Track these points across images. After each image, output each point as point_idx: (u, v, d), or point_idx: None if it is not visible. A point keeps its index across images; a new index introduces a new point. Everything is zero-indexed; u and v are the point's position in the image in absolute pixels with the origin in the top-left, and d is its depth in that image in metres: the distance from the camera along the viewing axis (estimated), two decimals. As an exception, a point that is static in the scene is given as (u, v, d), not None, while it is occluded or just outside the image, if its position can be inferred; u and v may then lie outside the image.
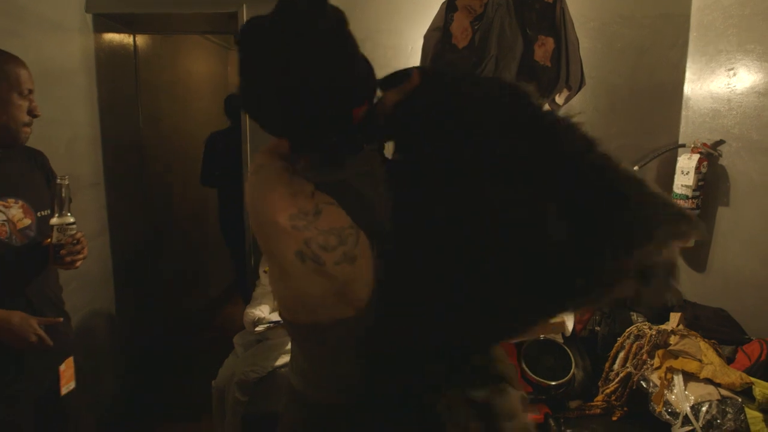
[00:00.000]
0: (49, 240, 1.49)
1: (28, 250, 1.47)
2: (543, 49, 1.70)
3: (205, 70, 4.41)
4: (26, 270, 1.48)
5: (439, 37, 1.73)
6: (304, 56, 0.77)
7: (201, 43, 4.29)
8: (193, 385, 3.30)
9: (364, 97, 0.86)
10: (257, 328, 2.10)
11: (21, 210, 1.48)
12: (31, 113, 1.49)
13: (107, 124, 2.60)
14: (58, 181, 1.51)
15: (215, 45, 4.60)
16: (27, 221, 1.49)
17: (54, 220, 1.48)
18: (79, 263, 1.53)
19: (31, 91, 1.49)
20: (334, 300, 0.84)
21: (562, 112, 2.43)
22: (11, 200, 1.46)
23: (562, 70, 1.75)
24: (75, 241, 1.50)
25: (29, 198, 1.52)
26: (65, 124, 2.31)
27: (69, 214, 1.50)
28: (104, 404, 2.57)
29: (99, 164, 2.54)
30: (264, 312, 2.25)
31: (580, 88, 1.89)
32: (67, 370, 1.60)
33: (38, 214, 1.53)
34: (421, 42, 2.22)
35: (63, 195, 1.49)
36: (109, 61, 2.64)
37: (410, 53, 2.41)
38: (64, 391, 1.58)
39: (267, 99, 0.82)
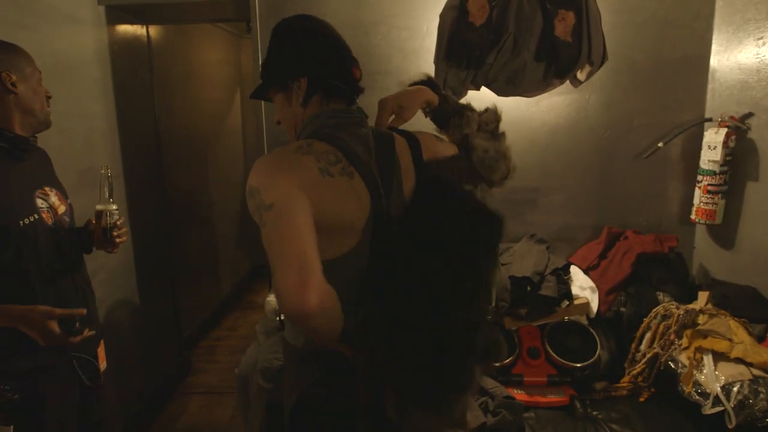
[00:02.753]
0: (93, 224, 1.62)
1: (70, 235, 1.58)
2: (563, 24, 1.64)
3: (218, 58, 4.39)
4: (74, 252, 1.60)
5: (455, 15, 1.68)
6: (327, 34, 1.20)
7: (213, 32, 4.27)
8: (214, 370, 3.35)
9: (356, 65, 1.22)
10: (279, 317, 2.10)
11: (57, 198, 1.56)
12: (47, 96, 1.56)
13: (124, 116, 2.60)
14: (102, 171, 1.64)
15: (227, 33, 4.58)
16: (63, 208, 1.58)
17: (100, 206, 1.61)
18: (120, 245, 1.67)
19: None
20: (343, 222, 1.05)
21: (584, 87, 2.38)
22: (47, 188, 1.54)
23: (584, 45, 1.70)
24: (120, 225, 1.64)
25: (58, 187, 1.61)
26: (81, 117, 2.32)
27: (111, 200, 1.64)
28: (130, 390, 2.61)
29: (117, 156, 2.56)
30: (285, 299, 2.25)
31: (602, 64, 1.83)
32: (101, 351, 1.69)
33: (68, 201, 1.63)
34: (436, 22, 2.17)
35: (107, 183, 1.62)
36: (123, 53, 2.64)
37: (425, 34, 2.36)
38: (101, 370, 1.68)
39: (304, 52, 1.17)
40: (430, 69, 2.22)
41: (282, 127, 1.26)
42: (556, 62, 1.71)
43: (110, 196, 1.64)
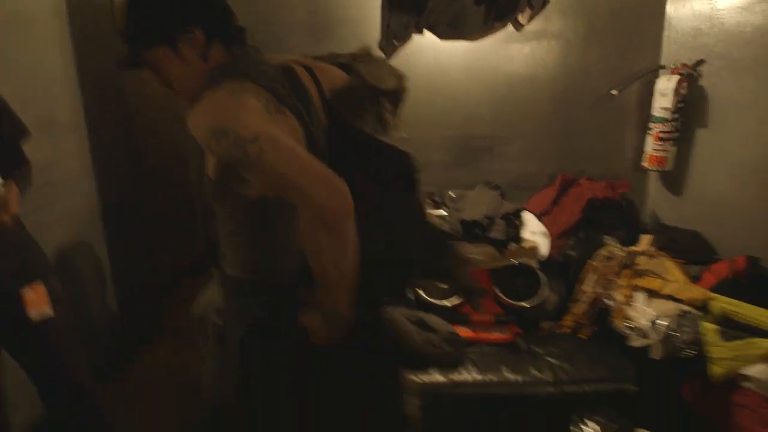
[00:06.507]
0: None
1: None
2: (499, -33, 1.65)
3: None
4: None
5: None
6: None
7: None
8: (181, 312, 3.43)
9: None
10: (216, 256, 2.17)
11: None
12: None
13: (85, 69, 2.60)
14: None
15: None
16: None
17: None
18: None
19: None
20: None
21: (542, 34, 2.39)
22: None
23: (522, -13, 1.71)
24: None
25: None
26: (39, 68, 2.33)
27: None
28: (96, 331, 2.70)
29: (78, 105, 2.58)
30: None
31: (543, 6, 1.84)
32: (34, 295, 1.61)
33: None
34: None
35: None
36: (82, 5, 2.62)
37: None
38: (34, 315, 1.60)
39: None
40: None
41: (173, 90, 1.13)
42: (495, 5, 1.73)
43: None
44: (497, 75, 2.49)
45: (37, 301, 1.62)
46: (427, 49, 2.33)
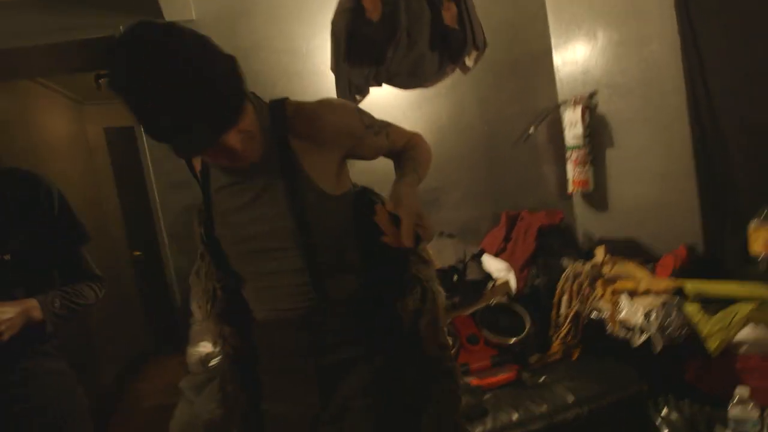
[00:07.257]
0: None
1: None
2: (450, 13, 1.79)
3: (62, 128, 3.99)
4: None
5: (351, 17, 1.73)
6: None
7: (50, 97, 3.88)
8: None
9: None
10: (212, 363, 1.90)
11: None
12: None
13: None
14: None
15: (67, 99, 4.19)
16: None
17: None
18: None
19: None
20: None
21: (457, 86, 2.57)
22: None
23: (468, 31, 1.86)
24: None
25: None
26: None
27: None
28: None
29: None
30: (209, 347, 2.05)
31: (484, 49, 2.01)
32: None
33: None
34: (315, 41, 2.22)
35: None
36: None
37: (306, 55, 2.38)
38: None
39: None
40: (316, 90, 2.23)
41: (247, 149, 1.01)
42: (448, 49, 1.85)
43: None
44: (428, 128, 2.61)
45: None
46: (374, 98, 2.37)
